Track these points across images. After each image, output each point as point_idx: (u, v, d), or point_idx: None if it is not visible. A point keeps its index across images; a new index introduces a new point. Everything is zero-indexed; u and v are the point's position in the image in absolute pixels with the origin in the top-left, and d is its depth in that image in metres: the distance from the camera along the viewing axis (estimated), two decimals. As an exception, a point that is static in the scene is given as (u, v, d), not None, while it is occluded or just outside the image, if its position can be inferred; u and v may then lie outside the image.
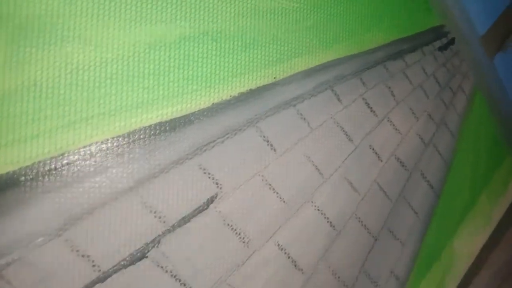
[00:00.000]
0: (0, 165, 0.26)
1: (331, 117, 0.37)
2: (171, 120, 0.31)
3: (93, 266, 0.28)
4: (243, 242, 0.34)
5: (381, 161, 0.40)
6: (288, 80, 0.36)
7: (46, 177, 0.27)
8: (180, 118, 0.31)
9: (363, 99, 0.40)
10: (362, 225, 0.39)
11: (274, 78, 0.35)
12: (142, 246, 0.30)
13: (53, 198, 0.27)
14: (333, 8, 0.38)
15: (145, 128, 0.30)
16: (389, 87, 0.42)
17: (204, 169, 0.32)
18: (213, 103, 0.33)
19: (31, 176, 0.27)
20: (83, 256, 0.28)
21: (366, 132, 0.40)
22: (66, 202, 0.28)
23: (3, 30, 0.27)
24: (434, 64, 0.45)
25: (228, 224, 0.33)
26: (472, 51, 0.49)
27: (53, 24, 0.28)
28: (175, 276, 0.31)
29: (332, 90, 0.38)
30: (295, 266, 0.36)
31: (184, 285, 0.31)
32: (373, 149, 0.40)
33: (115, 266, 0.29)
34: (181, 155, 0.31)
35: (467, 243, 0.48)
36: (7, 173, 0.26)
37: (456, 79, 0.47)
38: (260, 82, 0.34)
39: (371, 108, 0.40)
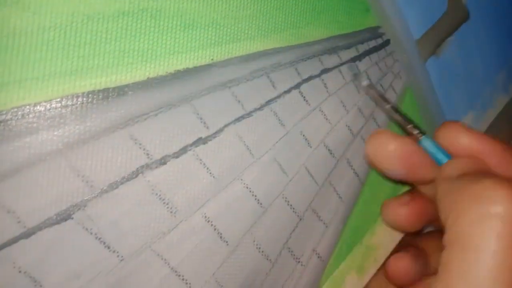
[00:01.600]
0: None
1: (265, 102, 0.40)
2: (104, 89, 0.32)
3: (18, 222, 0.29)
4: (171, 212, 0.36)
5: (311, 147, 0.43)
6: (225, 63, 0.38)
7: (-27, 133, 0.28)
8: (113, 88, 0.33)
9: (297, 87, 0.42)
10: (288, 204, 0.42)
11: (212, 59, 0.37)
12: (68, 207, 0.31)
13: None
14: (275, 0, 0.40)
15: (77, 95, 0.31)
16: (323, 80, 0.45)
17: (135, 139, 0.34)
18: (148, 77, 0.34)
19: (-43, 132, 0.28)
20: (8, 211, 0.29)
21: (298, 119, 0.42)
22: (-9, 160, 0.29)
23: None
24: (367, 62, 0.49)
25: (156, 194, 0.35)
26: (406, 53, 0.53)
27: (-10, -14, 0.29)
28: (99, 239, 0.33)
29: (268, 76, 0.40)
30: (221, 237, 0.38)
31: (108, 247, 0.33)
32: (303, 135, 0.43)
33: (40, 224, 0.30)
34: (112, 124, 0.33)
35: (389, 230, 0.52)
36: None
37: (387, 77, 0.51)
38: (197, 62, 0.36)
39: (304, 97, 0.43)
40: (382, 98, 0.44)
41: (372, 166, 0.42)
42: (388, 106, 0.44)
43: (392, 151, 0.38)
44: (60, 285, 0.31)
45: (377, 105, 0.48)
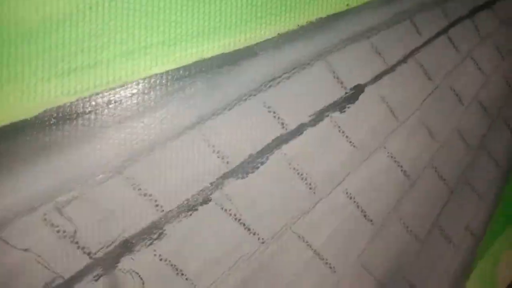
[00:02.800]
0: (56, 96, 0.25)
1: (409, 52, 0.33)
2: (234, 51, 0.28)
3: (156, 206, 0.27)
4: (310, 188, 0.31)
5: (463, 104, 0.36)
6: (363, 8, 0.31)
7: (105, 110, 0.25)
8: (243, 49, 0.28)
9: (445, 32, 0.35)
10: (438, 175, 0.35)
11: (347, 5, 0.31)
12: (206, 187, 0.28)
13: (113, 133, 0.26)
14: None
15: (206, 60, 0.27)
16: (473, 21, 0.36)
17: (269, 107, 0.29)
18: (278, 33, 0.29)
19: (89, 109, 0.25)
20: (145, 195, 0.26)
21: (447, 70, 0.35)
22: (126, 137, 0.26)
23: None
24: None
25: (294, 168, 0.30)
26: None
27: None
28: (239, 220, 0.29)
29: (411, 20, 0.33)
30: (365, 216, 0.33)
31: (248, 229, 0.29)
32: (454, 90, 0.35)
33: (178, 206, 0.27)
34: (244, 90, 0.28)
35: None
36: (64, 105, 0.25)
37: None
38: (331, 10, 0.30)
39: (453, 43, 0.35)
40: None
41: None
42: None
43: None
44: (202, 273, 0.28)
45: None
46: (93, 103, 0.25)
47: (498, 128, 0.38)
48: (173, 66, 0.27)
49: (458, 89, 0.35)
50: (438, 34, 0.34)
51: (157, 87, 0.26)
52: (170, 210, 0.27)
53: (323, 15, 0.30)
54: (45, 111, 0.24)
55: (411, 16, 0.33)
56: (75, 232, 0.25)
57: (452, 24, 0.35)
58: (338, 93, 0.31)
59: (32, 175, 0.24)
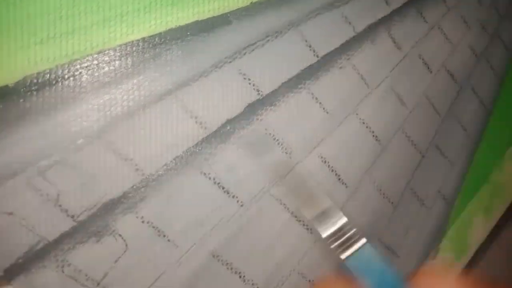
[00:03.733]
0: (36, 63, 0.25)
1: (378, 21, 0.35)
2: (208, 19, 0.29)
3: (137, 170, 0.28)
4: (286, 153, 0.32)
5: (431, 72, 0.37)
6: (332, -21, 0.33)
7: (84, 76, 0.26)
8: (217, 17, 0.29)
9: (413, 3, 0.36)
10: (409, 140, 0.37)
11: (317, -24, 0.32)
12: (185, 152, 0.29)
13: (92, 99, 0.26)
14: None
15: (181, 27, 0.28)
16: (441, -8, 0.38)
17: (244, 74, 0.30)
18: (251, 2, 0.30)
19: (68, 75, 0.26)
20: (125, 159, 0.27)
21: (415, 39, 0.36)
22: (105, 103, 0.27)
23: None
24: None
25: (270, 134, 0.32)
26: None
27: None
28: (218, 184, 0.30)
29: (380, -9, 0.34)
30: (339, 179, 0.34)
31: (227, 193, 0.30)
32: (422, 59, 0.37)
33: (158, 170, 0.28)
34: (220, 58, 0.29)
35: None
36: (44, 71, 0.25)
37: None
38: (302, -20, 0.32)
39: (421, 13, 0.37)
40: None
41: None
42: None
43: None
44: (184, 234, 0.29)
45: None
46: (72, 69, 0.26)
47: (467, 96, 0.40)
48: (149, 33, 0.27)
49: (427, 57, 0.37)
50: (405, 4, 0.36)
51: (134, 54, 0.27)
52: (150, 174, 0.28)
53: (295, -16, 0.32)
54: (24, 78, 0.25)
55: (380, -14, 0.34)
56: (58, 195, 0.26)
57: (419, -5, 0.36)
58: (311, 61, 0.33)
59: (14, 141, 0.25)
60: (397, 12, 0.36)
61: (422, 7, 0.37)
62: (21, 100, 0.25)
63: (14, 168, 0.25)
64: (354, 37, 0.34)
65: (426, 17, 0.37)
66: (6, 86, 0.25)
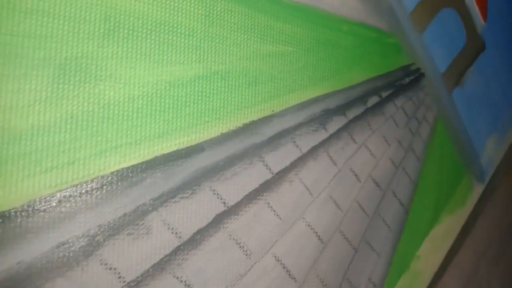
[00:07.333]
0: (40, 189, 0.30)
1: (319, 143, 0.43)
2: (186, 148, 0.36)
3: (119, 278, 0.32)
4: (246, 254, 0.38)
5: (360, 181, 0.47)
6: (284, 112, 0.41)
7: (79, 198, 0.31)
8: (194, 146, 0.36)
9: (345, 128, 0.46)
10: (344, 238, 0.45)
11: (272, 110, 0.41)
12: (161, 259, 0.34)
13: (84, 217, 0.31)
14: (321, 52, 0.44)
15: (164, 155, 0.35)
16: (366, 119, 0.48)
17: (214, 190, 0.37)
18: (221, 133, 0.37)
19: (66, 198, 0.31)
20: (110, 268, 0.32)
21: (347, 156, 0.46)
22: (97, 220, 0.31)
23: (46, 70, 0.30)
24: (403, 98, 0.52)
25: (234, 239, 0.38)
26: (435, 86, 0.57)
27: (88, 64, 0.32)
28: (188, 285, 0.35)
29: (320, 122, 0.44)
30: (289, 275, 0.41)
31: (196, 293, 0.35)
32: (353, 171, 0.46)
33: (138, 277, 0.33)
34: (194, 179, 0.36)
35: (432, 252, 0.54)
36: (45, 196, 0.30)
37: (421, 110, 0.54)
38: (261, 114, 0.40)
39: (351, 136, 0.46)
40: None
41: None
42: None
43: None
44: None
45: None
46: (70, 193, 0.31)
47: (389, 199, 0.50)
48: (138, 161, 0.33)
49: (356, 170, 0.46)
50: (340, 130, 0.45)
51: (124, 179, 0.33)
52: (131, 280, 0.33)
53: (255, 118, 0.40)
54: (29, 202, 0.29)
55: (320, 119, 0.44)
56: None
57: (350, 122, 0.46)
58: (267, 176, 0.40)
59: (17, 255, 0.29)
60: (333, 136, 0.45)
61: (352, 131, 0.47)
62: (25, 221, 0.29)
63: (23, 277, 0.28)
64: (300, 157, 0.42)
65: (355, 139, 0.47)
66: (14, 207, 0.29)
